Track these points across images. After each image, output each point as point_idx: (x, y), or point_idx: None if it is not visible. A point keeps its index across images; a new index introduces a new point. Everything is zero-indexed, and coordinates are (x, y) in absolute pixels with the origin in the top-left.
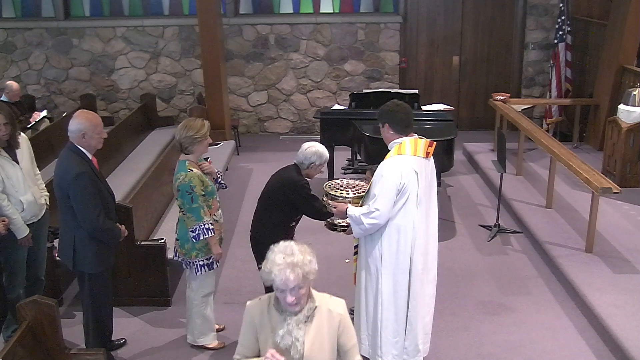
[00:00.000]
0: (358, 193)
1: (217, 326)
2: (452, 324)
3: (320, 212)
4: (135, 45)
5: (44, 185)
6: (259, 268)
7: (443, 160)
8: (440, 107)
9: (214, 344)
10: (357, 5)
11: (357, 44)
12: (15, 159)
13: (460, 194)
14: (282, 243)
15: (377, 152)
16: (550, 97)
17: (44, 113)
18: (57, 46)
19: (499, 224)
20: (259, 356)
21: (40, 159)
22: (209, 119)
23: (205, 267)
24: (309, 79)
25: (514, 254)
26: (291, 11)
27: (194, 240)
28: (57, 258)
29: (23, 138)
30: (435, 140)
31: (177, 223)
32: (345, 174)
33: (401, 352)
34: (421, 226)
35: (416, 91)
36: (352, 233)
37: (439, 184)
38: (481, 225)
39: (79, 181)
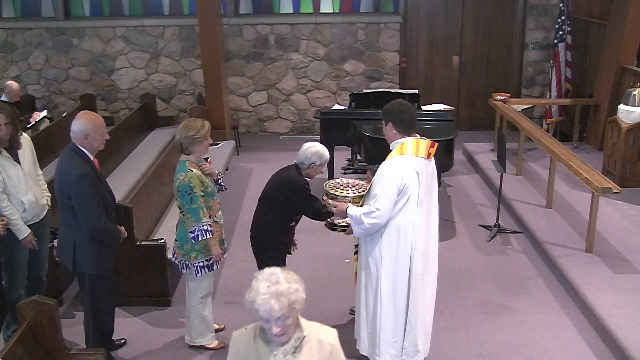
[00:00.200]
0: (358, 192)
1: (216, 326)
2: (452, 324)
3: (320, 213)
4: (135, 45)
5: (46, 186)
6: (259, 268)
7: (443, 160)
8: (440, 107)
9: (213, 344)
10: (357, 5)
11: (357, 44)
12: (16, 159)
13: (460, 194)
14: (267, 270)
15: (377, 152)
16: (550, 97)
17: (44, 113)
18: (57, 46)
19: (499, 224)
20: None
21: (40, 159)
22: (209, 119)
23: (205, 268)
24: (309, 79)
25: (514, 254)
26: (291, 11)
27: (193, 241)
28: (57, 259)
29: (25, 139)
30: (435, 141)
31: (177, 224)
32: (345, 174)
33: (400, 352)
34: (422, 226)
35: (416, 91)
36: (352, 233)
37: (439, 184)
38: (481, 225)
39: (80, 182)
